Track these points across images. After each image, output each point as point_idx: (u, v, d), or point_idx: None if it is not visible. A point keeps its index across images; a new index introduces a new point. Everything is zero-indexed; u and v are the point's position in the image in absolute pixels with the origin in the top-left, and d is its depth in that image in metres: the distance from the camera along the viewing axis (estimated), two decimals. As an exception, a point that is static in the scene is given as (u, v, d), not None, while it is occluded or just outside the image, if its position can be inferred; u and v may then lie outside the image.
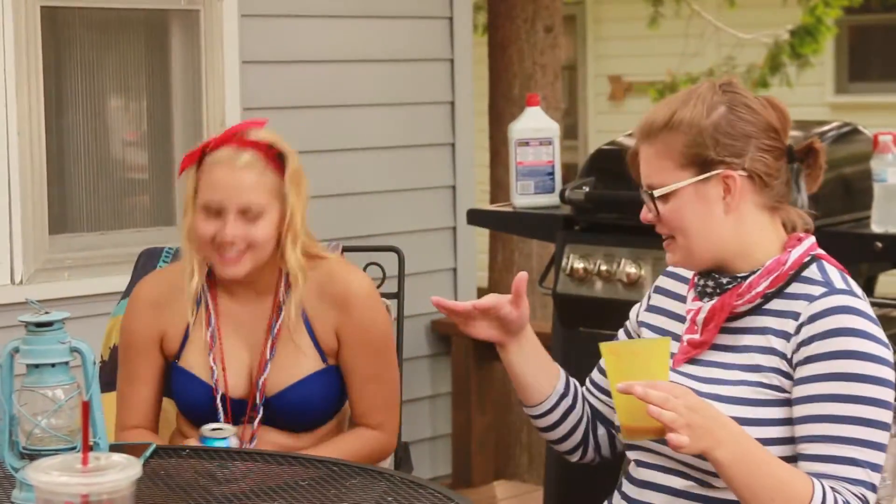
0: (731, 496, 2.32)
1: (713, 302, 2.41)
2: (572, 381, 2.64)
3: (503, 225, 4.67)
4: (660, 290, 2.61)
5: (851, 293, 2.34)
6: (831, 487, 2.25)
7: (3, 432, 2.46)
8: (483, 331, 2.56)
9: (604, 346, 2.29)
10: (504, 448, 6.16)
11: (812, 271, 2.38)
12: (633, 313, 2.66)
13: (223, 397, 2.94)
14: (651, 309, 2.60)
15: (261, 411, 2.94)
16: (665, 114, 2.41)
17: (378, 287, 3.27)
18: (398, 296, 3.39)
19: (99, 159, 4.81)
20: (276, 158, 2.93)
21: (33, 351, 2.42)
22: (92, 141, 4.78)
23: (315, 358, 2.96)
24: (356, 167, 5.23)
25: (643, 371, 2.23)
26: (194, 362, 2.97)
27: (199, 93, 4.82)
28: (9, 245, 4.36)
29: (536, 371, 2.60)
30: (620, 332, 2.69)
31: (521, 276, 2.53)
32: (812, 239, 2.42)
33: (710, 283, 2.43)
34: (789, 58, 10.00)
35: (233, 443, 2.83)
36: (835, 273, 2.39)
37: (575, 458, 2.68)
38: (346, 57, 5.18)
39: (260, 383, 2.94)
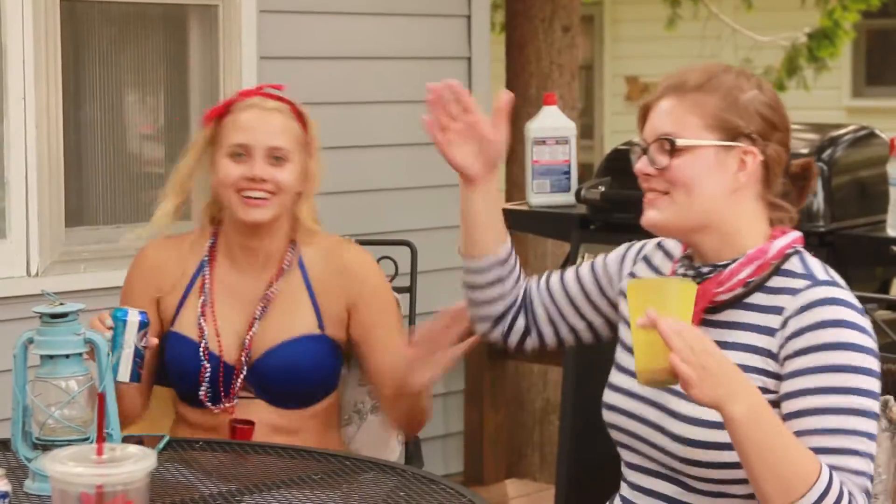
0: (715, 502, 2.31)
1: None
2: (515, 256, 2.63)
3: (518, 224, 4.67)
4: (647, 262, 2.55)
5: (835, 283, 2.32)
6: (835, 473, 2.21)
7: (17, 423, 2.48)
8: (461, 152, 2.57)
9: (631, 284, 2.22)
10: (516, 446, 6.16)
11: (793, 263, 2.35)
12: (610, 265, 2.60)
13: (214, 358, 2.94)
14: (633, 277, 2.54)
15: (243, 367, 2.93)
16: (703, 76, 2.37)
17: (390, 281, 3.28)
18: (410, 290, 3.40)
19: (116, 153, 4.82)
20: (299, 114, 3.05)
21: (47, 342, 2.43)
22: (109, 134, 4.79)
23: (311, 322, 2.97)
24: (372, 164, 5.23)
25: (665, 310, 2.14)
26: (186, 325, 2.99)
27: (217, 88, 4.82)
28: (25, 237, 4.37)
29: (488, 225, 2.58)
30: (584, 270, 2.64)
31: (506, 96, 2.55)
32: (797, 233, 2.39)
33: (690, 272, 2.38)
34: (806, 61, 9.99)
35: (134, 317, 2.74)
36: (816, 264, 2.36)
37: (483, 328, 2.66)
38: (363, 54, 5.18)
39: (246, 341, 2.95)
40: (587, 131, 12.70)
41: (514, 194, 6.15)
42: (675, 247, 2.52)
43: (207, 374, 2.95)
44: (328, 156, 5.06)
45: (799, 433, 2.25)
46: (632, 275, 2.56)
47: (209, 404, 2.95)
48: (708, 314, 2.36)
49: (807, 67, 10.01)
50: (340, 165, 5.15)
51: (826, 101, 11.31)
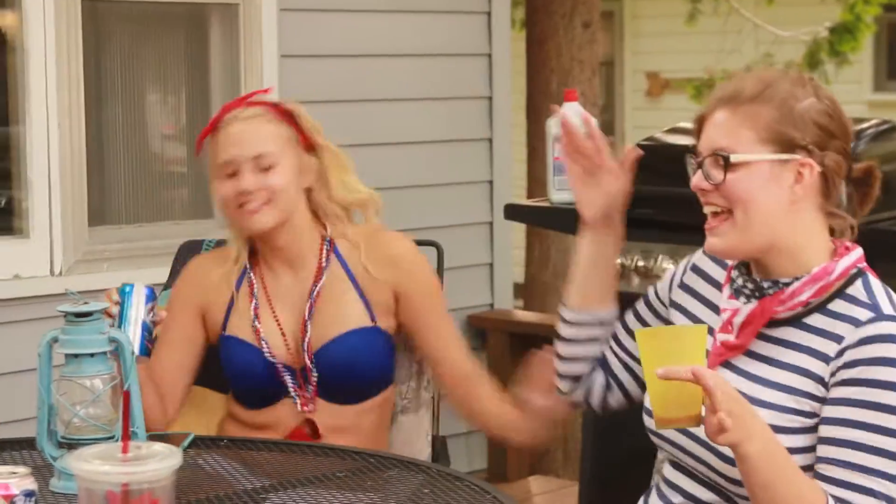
0: None
1: (752, 306, 2.32)
2: (610, 328, 2.60)
3: (540, 220, 4.66)
4: (697, 270, 2.51)
5: None
6: None
7: (42, 422, 2.48)
8: (586, 190, 2.55)
9: (640, 333, 2.21)
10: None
11: (857, 289, 2.29)
12: (661, 290, 2.58)
13: (273, 360, 2.94)
14: (684, 288, 2.51)
15: (314, 372, 2.93)
16: (757, 85, 2.31)
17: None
18: (438, 289, 3.39)
19: (138, 152, 4.83)
20: (284, 112, 2.98)
21: (72, 341, 2.43)
22: (131, 134, 4.80)
23: (363, 314, 2.96)
24: (394, 161, 5.23)
25: (682, 358, 2.14)
26: (240, 330, 2.98)
27: (238, 86, 4.83)
28: (49, 236, 4.39)
29: (594, 277, 2.55)
30: (640, 305, 2.61)
31: (634, 152, 2.54)
32: (860, 251, 2.33)
33: (749, 284, 2.34)
34: (828, 55, 9.96)
35: (140, 291, 2.78)
36: (881, 293, 2.29)
37: (566, 385, 2.64)
38: (384, 51, 5.19)
39: (305, 344, 2.94)
40: (608, 127, 12.68)
41: (536, 191, 6.15)
42: None
43: (275, 375, 2.94)
44: (350, 153, 5.08)
45: (823, 459, 2.24)
46: (682, 285, 2.53)
47: (297, 401, 2.94)
48: (765, 329, 2.33)
49: (828, 62, 9.98)
50: (362, 163, 5.12)
51: (847, 95, 11.25)
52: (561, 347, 2.63)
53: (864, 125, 3.92)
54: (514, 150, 5.68)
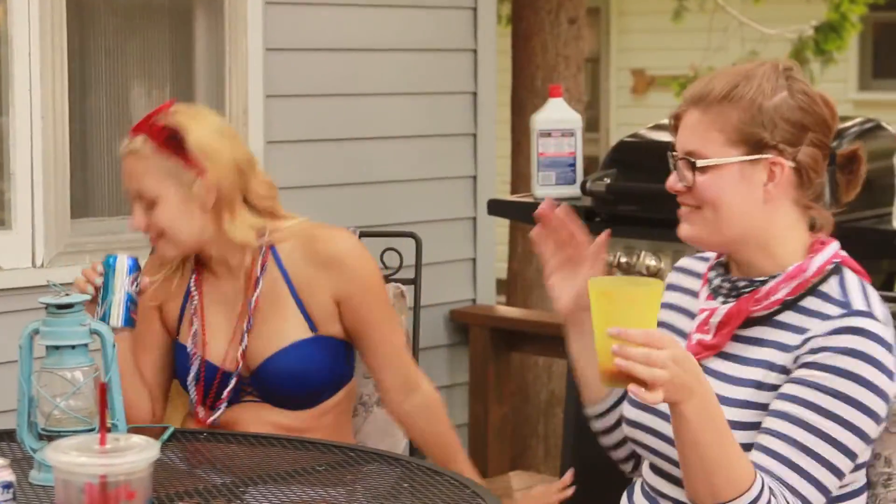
0: None
1: (729, 305, 2.32)
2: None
3: (524, 216, 4.66)
4: (672, 287, 2.52)
5: (871, 315, 2.24)
6: (769, 487, 2.17)
7: (22, 413, 2.48)
8: (560, 283, 2.47)
9: (593, 284, 2.15)
10: (520, 439, 6.16)
11: (831, 287, 2.30)
12: None
13: (209, 366, 2.93)
14: (664, 306, 2.48)
15: (233, 382, 2.90)
16: (725, 85, 2.31)
17: (395, 273, 3.28)
18: (415, 282, 3.39)
19: (122, 144, 4.82)
20: (168, 140, 2.87)
21: (53, 333, 2.43)
22: (115, 126, 4.79)
23: (301, 326, 2.91)
24: (378, 156, 5.23)
25: (635, 318, 2.10)
26: (185, 335, 2.98)
27: (223, 80, 4.82)
28: (31, 228, 4.38)
29: (594, 370, 2.47)
30: None
31: (606, 233, 2.48)
32: (836, 245, 2.34)
33: (726, 284, 2.35)
34: (813, 54, 9.97)
35: (123, 262, 2.78)
36: (856, 289, 2.29)
37: (628, 468, 2.61)
38: (369, 46, 5.18)
39: (238, 355, 2.91)
40: (593, 124, 12.69)
41: (521, 186, 6.15)
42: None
43: (199, 378, 2.93)
44: (334, 147, 5.08)
45: (768, 431, 2.22)
46: (667, 286, 2.52)
47: (200, 414, 2.94)
48: (740, 329, 2.33)
49: (814, 60, 9.99)
50: (346, 157, 5.15)
51: (833, 93, 11.21)
52: (603, 440, 2.60)
53: (849, 124, 3.93)
54: (498, 146, 5.68)
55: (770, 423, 2.23)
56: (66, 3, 4.41)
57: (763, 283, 2.31)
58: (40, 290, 2.77)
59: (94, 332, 2.45)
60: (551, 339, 4.91)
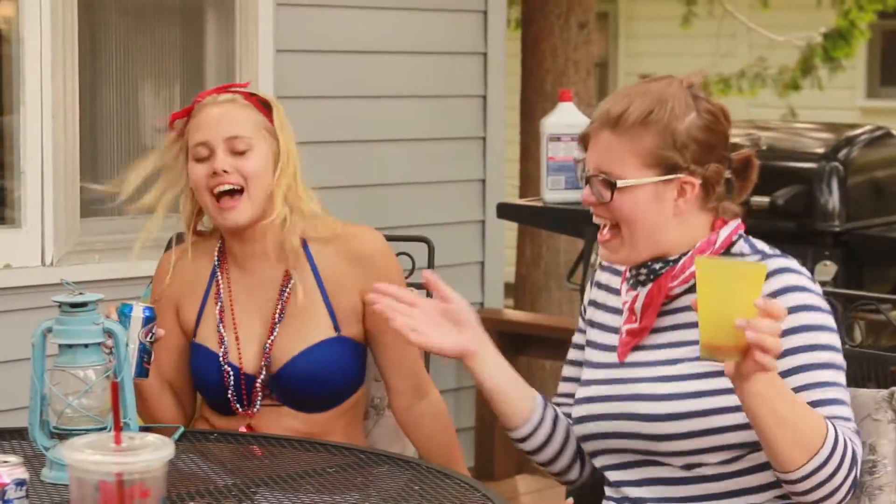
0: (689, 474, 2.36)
1: (648, 287, 2.43)
2: (551, 410, 2.60)
3: (532, 219, 4.69)
4: (599, 286, 2.62)
5: (784, 255, 2.41)
6: (832, 422, 2.27)
7: (35, 412, 2.48)
8: (441, 336, 2.56)
9: (700, 261, 2.22)
10: (527, 442, 6.15)
11: (740, 246, 2.44)
12: (584, 313, 2.65)
13: (236, 369, 2.91)
14: (592, 304, 2.61)
15: (262, 375, 2.89)
16: (641, 110, 2.39)
17: (407, 277, 3.27)
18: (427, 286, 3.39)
19: (132, 144, 4.83)
20: (259, 103, 2.96)
21: (66, 331, 2.43)
22: (125, 126, 4.80)
23: (327, 325, 2.92)
24: (387, 158, 5.24)
25: (739, 293, 2.16)
26: (207, 336, 2.96)
27: (233, 80, 4.83)
28: (41, 227, 4.38)
29: (506, 393, 2.56)
30: (575, 336, 2.67)
31: (429, 275, 2.59)
32: (738, 220, 2.46)
33: (643, 270, 2.45)
34: (821, 61, 9.97)
35: (137, 312, 2.73)
36: (763, 245, 2.44)
37: (570, 477, 2.64)
38: (379, 48, 5.19)
39: (267, 346, 2.91)
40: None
41: (530, 190, 6.16)
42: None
43: (231, 384, 2.91)
44: (343, 149, 5.08)
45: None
46: (591, 303, 2.61)
47: (240, 410, 2.93)
48: (663, 306, 2.44)
49: (821, 67, 9.99)
50: (355, 159, 5.15)
51: (840, 101, 11.28)
52: (536, 458, 2.64)
53: (858, 131, 3.94)
54: (507, 150, 5.69)
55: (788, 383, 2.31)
56: (77, 2, 4.42)
57: (676, 261, 2.43)
58: (50, 289, 2.78)
59: (107, 331, 2.46)
60: (559, 343, 4.91)
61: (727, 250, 2.43)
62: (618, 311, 2.53)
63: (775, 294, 2.33)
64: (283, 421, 2.91)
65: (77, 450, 1.87)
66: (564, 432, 2.60)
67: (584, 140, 2.49)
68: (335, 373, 2.92)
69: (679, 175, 2.40)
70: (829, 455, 2.23)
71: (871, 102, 12.21)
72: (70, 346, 2.43)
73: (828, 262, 3.44)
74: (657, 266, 2.44)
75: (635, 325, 2.45)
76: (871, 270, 3.69)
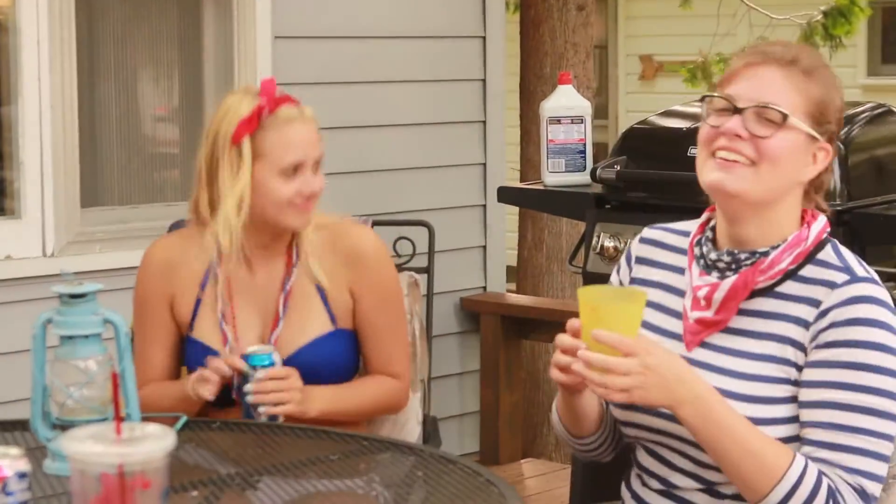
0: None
1: (733, 279, 2.31)
2: (610, 417, 2.53)
3: (533, 203, 4.67)
4: (643, 261, 2.50)
5: (873, 281, 2.29)
6: (821, 471, 2.20)
7: (36, 403, 2.48)
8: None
9: (583, 293, 2.20)
10: (531, 426, 6.16)
11: (828, 254, 2.33)
12: (620, 276, 2.54)
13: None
14: (635, 282, 2.49)
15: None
16: (811, 61, 2.33)
17: (407, 262, 3.27)
18: (428, 270, 3.39)
19: (131, 133, 4.82)
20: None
21: (67, 322, 2.42)
22: (124, 115, 4.79)
23: (324, 320, 2.95)
24: (387, 143, 5.23)
25: (620, 328, 2.16)
26: (206, 332, 2.96)
27: (231, 67, 4.82)
28: (41, 218, 4.38)
29: (590, 414, 2.48)
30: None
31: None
32: (825, 219, 2.37)
33: (725, 258, 2.34)
34: (822, 39, 9.94)
35: (276, 359, 2.81)
36: (851, 257, 2.33)
37: (604, 460, 2.61)
38: (378, 33, 5.18)
39: (272, 340, 2.92)
40: (601, 111, 12.66)
41: (530, 174, 6.14)
42: (678, 226, 2.50)
43: (234, 381, 2.89)
44: (343, 135, 5.07)
45: (805, 423, 2.26)
46: (639, 260, 2.51)
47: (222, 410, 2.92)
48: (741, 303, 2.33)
49: (822, 46, 9.95)
50: (355, 145, 5.15)
51: (842, 79, 11.24)
52: (588, 457, 2.60)
53: (859, 109, 3.92)
54: (507, 133, 5.67)
55: (809, 414, 2.26)
56: (74, -9, 4.41)
57: (765, 253, 2.32)
58: (50, 280, 2.77)
59: (107, 321, 2.45)
60: (561, 326, 4.91)
61: (814, 252, 2.32)
62: (677, 292, 2.42)
63: (843, 324, 2.25)
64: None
65: (78, 441, 1.86)
66: (613, 429, 2.54)
67: (734, 75, 2.34)
68: (337, 366, 2.95)
69: (824, 139, 2.32)
70: (784, 499, 2.19)
71: (872, 80, 12.19)
72: (70, 336, 2.42)
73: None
74: (743, 256, 2.33)
75: (709, 315, 2.33)
76: (873, 249, 3.67)
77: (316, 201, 2.94)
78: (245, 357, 2.81)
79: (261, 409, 2.79)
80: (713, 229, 2.41)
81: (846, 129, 3.83)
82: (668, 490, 2.41)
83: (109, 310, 2.48)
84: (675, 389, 2.18)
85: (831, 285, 2.28)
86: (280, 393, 2.79)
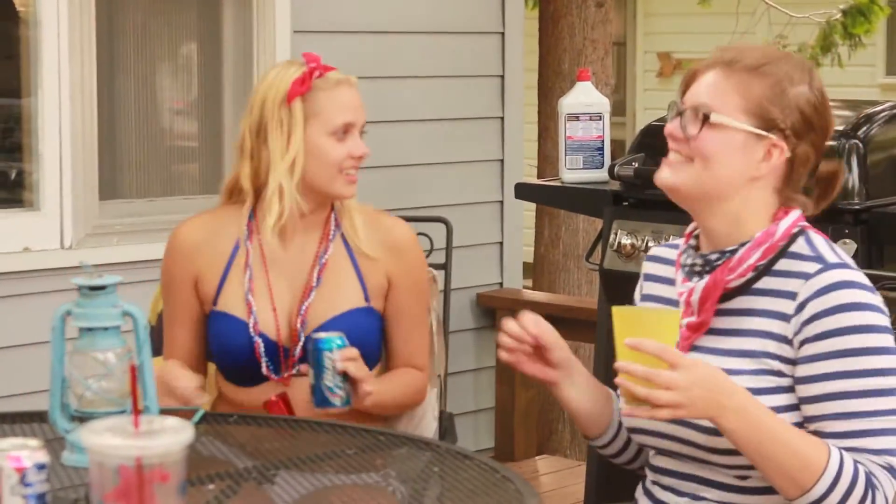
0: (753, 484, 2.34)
1: (705, 280, 2.37)
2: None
3: (551, 199, 4.66)
4: (649, 277, 2.59)
5: (845, 265, 2.33)
6: (854, 459, 2.24)
7: (55, 395, 2.48)
8: (533, 368, 2.53)
9: (618, 312, 2.25)
10: (547, 423, 6.16)
11: (800, 245, 2.37)
12: (637, 294, 2.63)
13: (264, 338, 2.92)
14: (646, 298, 2.57)
15: (301, 340, 2.91)
16: (757, 58, 2.37)
17: (426, 257, 3.28)
18: (445, 267, 3.40)
19: (149, 127, 4.83)
20: None
21: (86, 314, 2.43)
22: (143, 108, 4.80)
23: (359, 295, 2.97)
24: (405, 139, 5.23)
25: (655, 338, 2.20)
26: (232, 303, 2.96)
27: (250, 61, 4.83)
28: (59, 210, 4.39)
29: (591, 410, 2.56)
30: None
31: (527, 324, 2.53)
32: (798, 212, 2.40)
33: (698, 261, 2.40)
34: (841, 38, 9.92)
35: (339, 344, 2.80)
36: (823, 244, 2.37)
37: (623, 460, 2.65)
38: (397, 28, 5.18)
39: (303, 309, 2.93)
40: (619, 108, 12.66)
41: (548, 170, 6.14)
42: (676, 241, 2.55)
43: (262, 351, 2.91)
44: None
45: (818, 418, 2.29)
46: (647, 277, 2.59)
47: (274, 377, 2.93)
48: (720, 303, 2.38)
49: (841, 44, 9.94)
50: (373, 140, 5.12)
51: (860, 78, 11.23)
52: (615, 461, 2.65)
53: (878, 108, 3.91)
54: (525, 130, 5.67)
55: (819, 408, 2.29)
56: (94, -16, 4.42)
57: (734, 252, 2.37)
58: (68, 272, 2.77)
59: (126, 313, 2.46)
60: (577, 323, 4.91)
61: (785, 247, 2.37)
62: (670, 303, 2.48)
63: (826, 313, 2.28)
64: (307, 391, 2.90)
65: (97, 434, 1.87)
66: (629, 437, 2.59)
67: (689, 79, 2.44)
68: (362, 343, 2.91)
69: (772, 136, 2.35)
70: (827, 491, 2.22)
71: (891, 79, 12.17)
72: (90, 329, 2.42)
73: (848, 241, 3.43)
74: (713, 257, 2.39)
75: (694, 319, 2.39)
76: (892, 249, 3.67)
77: (360, 165, 2.97)
78: (317, 340, 2.80)
79: (338, 392, 2.79)
80: (697, 237, 2.48)
81: (865, 128, 3.82)
82: (681, 491, 2.42)
83: (129, 302, 2.49)
84: (719, 401, 2.22)
85: (805, 276, 2.32)
86: (364, 369, 2.79)
